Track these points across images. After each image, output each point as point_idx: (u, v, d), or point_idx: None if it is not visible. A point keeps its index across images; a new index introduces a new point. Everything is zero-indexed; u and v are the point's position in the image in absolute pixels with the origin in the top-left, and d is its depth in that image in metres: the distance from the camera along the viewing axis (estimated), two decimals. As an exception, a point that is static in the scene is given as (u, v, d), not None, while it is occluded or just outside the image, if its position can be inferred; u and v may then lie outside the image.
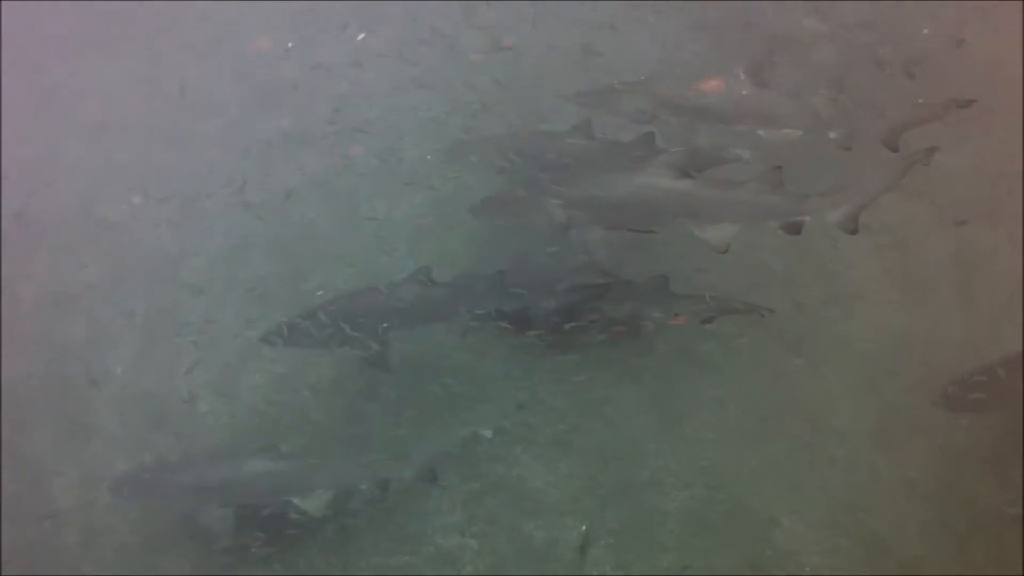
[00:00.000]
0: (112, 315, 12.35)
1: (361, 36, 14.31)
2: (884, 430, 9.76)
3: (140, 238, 13.14)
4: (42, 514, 10.37)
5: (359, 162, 13.23)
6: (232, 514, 9.29)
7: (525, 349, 10.68)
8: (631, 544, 9.20)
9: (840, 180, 10.22)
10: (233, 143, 13.82)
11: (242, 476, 9.48)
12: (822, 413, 9.94)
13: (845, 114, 11.32)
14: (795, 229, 9.76)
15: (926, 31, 13.35)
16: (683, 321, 10.19)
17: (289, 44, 14.82)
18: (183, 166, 13.68)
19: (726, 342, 10.57)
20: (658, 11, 13.98)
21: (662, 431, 10.01)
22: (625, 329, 10.48)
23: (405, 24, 14.49)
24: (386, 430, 10.29)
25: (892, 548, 9.05)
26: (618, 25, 13.58)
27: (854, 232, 9.81)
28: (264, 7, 15.45)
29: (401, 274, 10.45)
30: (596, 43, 13.27)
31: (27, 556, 10.14)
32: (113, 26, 15.70)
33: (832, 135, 11.28)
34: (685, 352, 10.62)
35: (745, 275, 10.94)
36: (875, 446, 9.67)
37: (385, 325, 10.05)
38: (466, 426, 10.16)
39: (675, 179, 9.87)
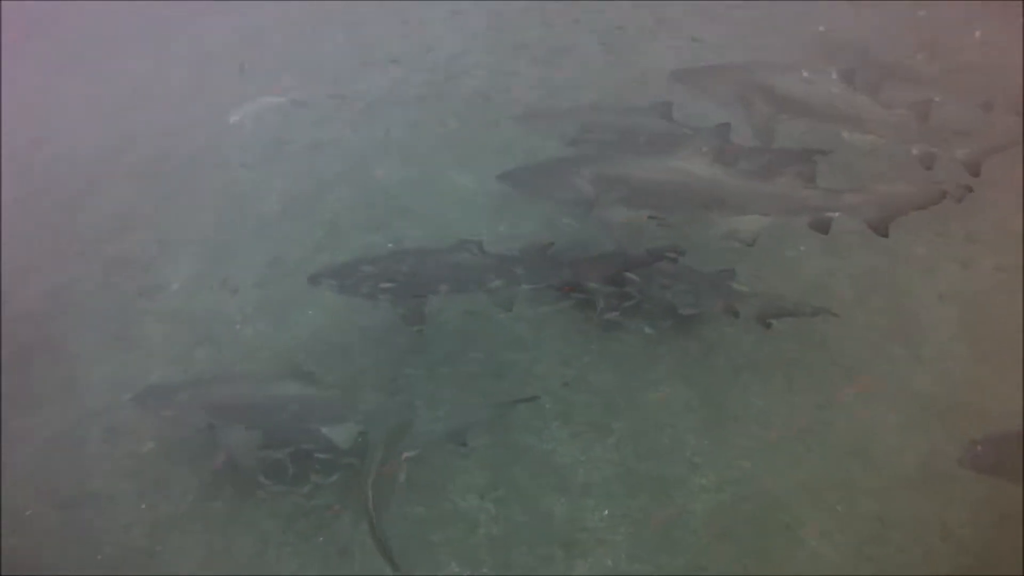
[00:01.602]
0: (179, 237, 12.83)
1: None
2: (925, 471, 9.43)
3: (219, 169, 13.16)
4: (69, 410, 10.65)
5: (451, 124, 13.01)
6: (257, 438, 9.30)
7: (580, 329, 10.63)
8: (650, 537, 9.08)
9: (875, 181, 10.02)
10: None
11: (272, 397, 9.52)
12: (866, 443, 9.65)
13: (930, 132, 11.00)
14: (823, 226, 9.56)
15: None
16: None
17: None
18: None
19: (783, 355, 10.42)
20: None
21: (702, 432, 9.86)
22: (682, 321, 10.34)
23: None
24: (425, 386, 10.26)
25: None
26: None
27: (884, 235, 9.58)
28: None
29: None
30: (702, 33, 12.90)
31: (49, 450, 10.48)
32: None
33: (915, 151, 10.91)
34: (740, 357, 10.47)
35: (814, 297, 10.53)
36: (914, 486, 9.35)
37: (427, 287, 10.09)
38: (507, 395, 10.02)
39: (707, 166, 9.72)
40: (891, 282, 10.96)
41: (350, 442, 9.25)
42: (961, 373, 10.17)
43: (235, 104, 14.80)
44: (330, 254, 11.36)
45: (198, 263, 12.58)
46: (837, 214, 9.66)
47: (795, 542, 8.98)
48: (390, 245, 10.92)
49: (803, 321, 10.30)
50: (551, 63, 13.89)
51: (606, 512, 9.27)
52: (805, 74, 11.11)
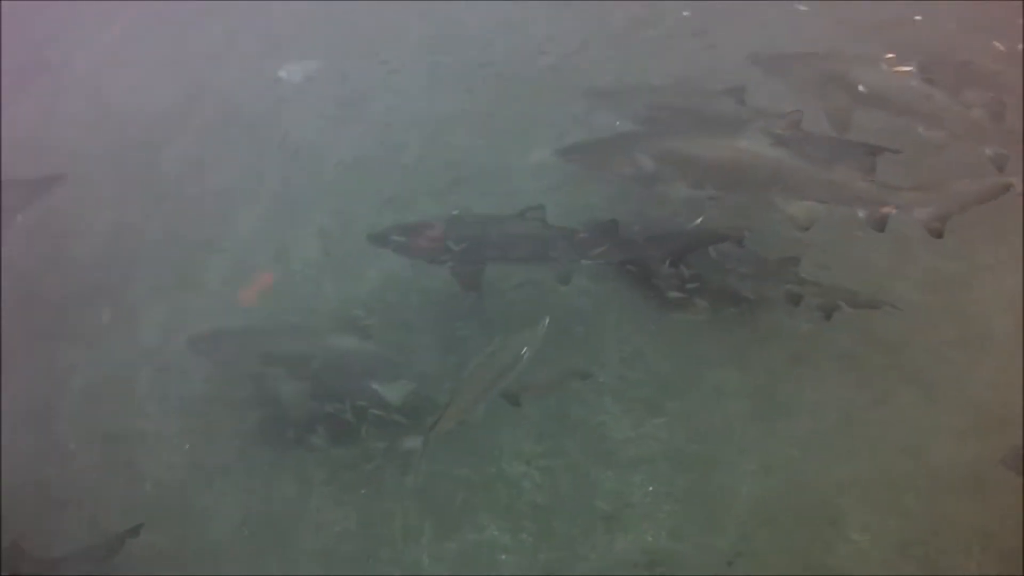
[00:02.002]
0: (246, 187, 12.91)
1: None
2: (976, 477, 9.26)
3: (287, 127, 13.63)
4: (123, 349, 10.88)
5: (522, 98, 13.28)
6: (307, 389, 9.41)
7: (640, 307, 10.61)
8: (692, 517, 9.06)
9: (934, 180, 9.83)
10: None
11: (326, 350, 9.58)
12: (920, 446, 9.51)
13: (1004, 133, 10.83)
14: (880, 223, 9.48)
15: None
16: None
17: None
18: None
19: (840, 349, 10.33)
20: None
21: (754, 419, 9.78)
22: (744, 306, 10.31)
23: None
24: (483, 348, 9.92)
25: (959, 597, 8.41)
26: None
27: (939, 235, 9.45)
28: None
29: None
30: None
31: (100, 386, 10.64)
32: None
33: (988, 151, 10.72)
34: (797, 347, 10.37)
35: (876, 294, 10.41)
36: (963, 490, 9.20)
37: (487, 254, 10.11)
38: (562, 365, 9.99)
39: (770, 148, 9.62)
40: (955, 285, 10.78)
41: (401, 400, 9.20)
42: (1020, 383, 9.89)
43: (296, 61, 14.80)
44: (393, 215, 11.20)
45: (262, 216, 12.60)
46: (893, 211, 9.45)
47: (838, 535, 8.88)
48: (455, 212, 10.69)
49: (862, 317, 10.16)
50: (626, 40, 13.73)
51: (651, 488, 9.23)
52: (885, 67, 10.92)
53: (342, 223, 12.11)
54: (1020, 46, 12.13)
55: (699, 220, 10.30)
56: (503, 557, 8.86)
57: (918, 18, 13.39)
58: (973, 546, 8.85)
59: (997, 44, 12.67)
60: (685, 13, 14.00)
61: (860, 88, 11.10)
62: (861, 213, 9.61)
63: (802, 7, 13.42)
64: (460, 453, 9.58)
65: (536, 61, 13.84)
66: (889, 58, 11.28)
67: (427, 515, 9.17)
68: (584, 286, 10.80)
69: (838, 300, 9.97)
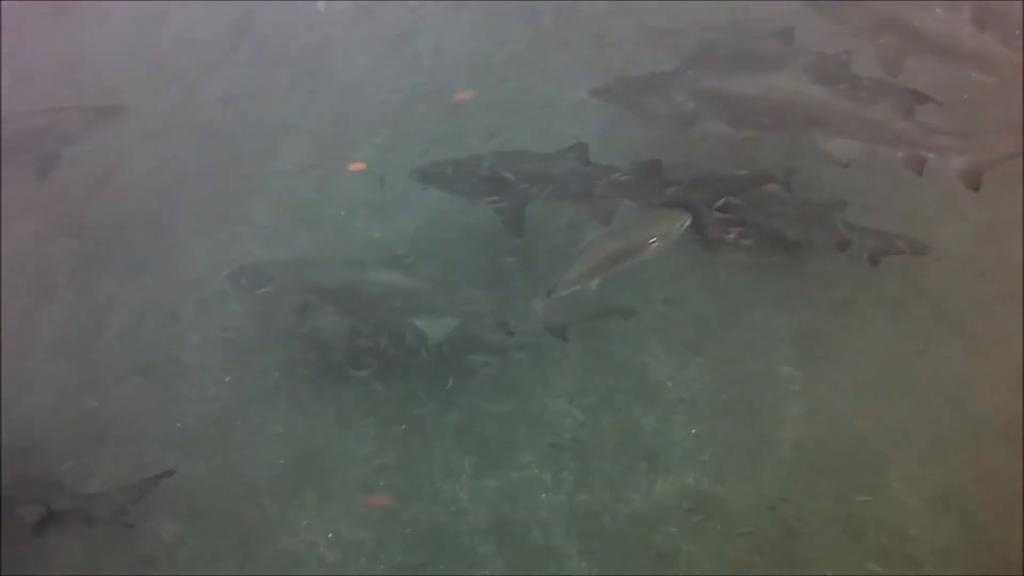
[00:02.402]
0: (287, 121, 12.89)
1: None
2: (1019, 432, 9.08)
3: (334, 59, 13.75)
4: (165, 281, 10.91)
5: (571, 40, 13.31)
6: (349, 323, 9.37)
7: (686, 248, 10.28)
8: (735, 460, 8.99)
9: (975, 128, 9.71)
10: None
11: (369, 284, 9.47)
12: (966, 397, 9.36)
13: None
14: (917, 164, 9.38)
15: None
16: None
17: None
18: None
19: (887, 296, 10.25)
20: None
21: (799, 364, 9.68)
22: (788, 250, 10.17)
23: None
24: (525, 286, 10.12)
25: (997, 549, 8.47)
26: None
27: (975, 187, 9.37)
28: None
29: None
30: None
31: (141, 317, 10.70)
32: None
33: None
34: (843, 294, 10.27)
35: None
36: (1005, 444, 9.06)
37: (529, 192, 9.96)
38: (607, 302, 9.82)
39: (810, 84, 9.52)
40: (1005, 240, 10.53)
41: (443, 336, 9.11)
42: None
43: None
44: (439, 153, 11.08)
45: (308, 149, 12.56)
46: (931, 155, 9.33)
47: (880, 484, 8.80)
48: (497, 150, 10.55)
49: (910, 265, 10.10)
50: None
51: (694, 431, 9.16)
52: (938, 11, 10.73)
53: (388, 160, 11.95)
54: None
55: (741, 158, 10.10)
56: (543, 496, 8.81)
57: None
58: (1014, 499, 8.69)
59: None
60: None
61: (912, 30, 10.88)
62: (900, 154, 9.49)
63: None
64: (500, 389, 9.56)
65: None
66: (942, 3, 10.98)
67: (467, 452, 9.13)
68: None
69: (885, 246, 9.84)
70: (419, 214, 11.31)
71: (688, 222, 9.12)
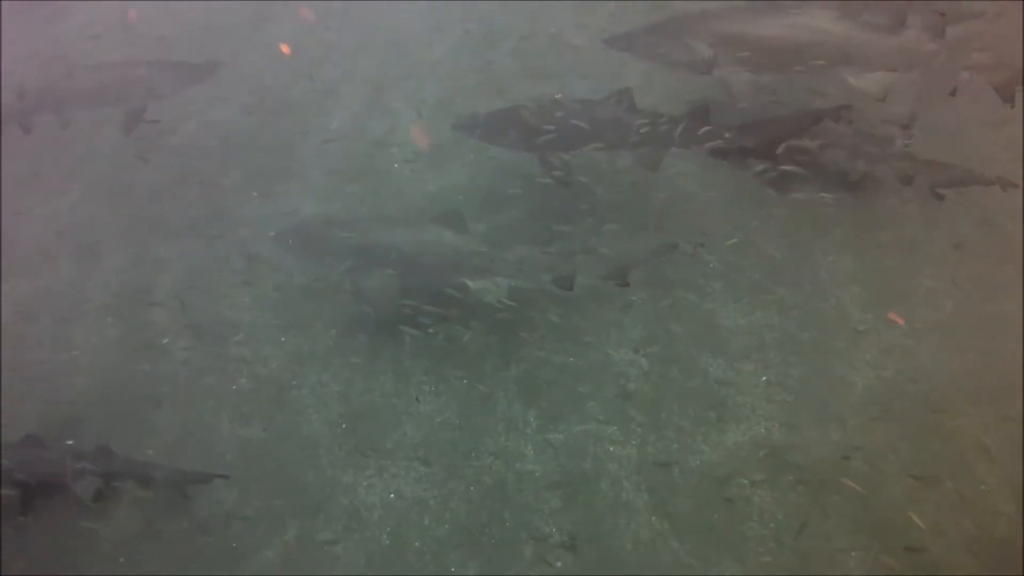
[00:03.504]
0: (342, 78, 12.86)
1: None
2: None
3: (381, 15, 13.86)
4: (215, 240, 10.73)
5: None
6: (398, 283, 9.06)
7: (751, 191, 10.25)
8: (806, 408, 8.74)
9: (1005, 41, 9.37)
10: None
11: (419, 243, 9.22)
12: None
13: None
14: (951, 87, 9.04)
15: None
16: None
17: None
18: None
19: (956, 233, 9.94)
20: None
21: (869, 306, 9.42)
22: (853, 188, 9.96)
23: None
24: (584, 237, 9.97)
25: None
26: None
27: (1010, 101, 9.03)
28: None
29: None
30: None
31: (191, 278, 10.54)
32: None
33: None
34: (912, 232, 10.00)
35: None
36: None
37: (576, 141, 9.66)
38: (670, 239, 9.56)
39: (831, 21, 9.17)
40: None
41: (497, 296, 8.91)
42: None
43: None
44: (486, 101, 10.84)
45: (359, 105, 12.48)
46: (966, 74, 8.99)
47: (957, 431, 8.51)
48: (558, 96, 10.27)
49: (976, 198, 9.87)
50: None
51: (764, 379, 8.92)
52: None
53: (440, 111, 11.84)
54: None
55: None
56: (611, 448, 8.60)
57: None
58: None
59: None
60: None
61: None
62: (933, 77, 9.08)
63: None
64: (562, 339, 9.31)
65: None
66: None
67: (531, 405, 8.91)
68: (690, 170, 10.37)
69: (949, 179, 9.57)
70: (474, 166, 11.17)
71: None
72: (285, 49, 12.29)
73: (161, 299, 10.30)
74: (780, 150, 9.36)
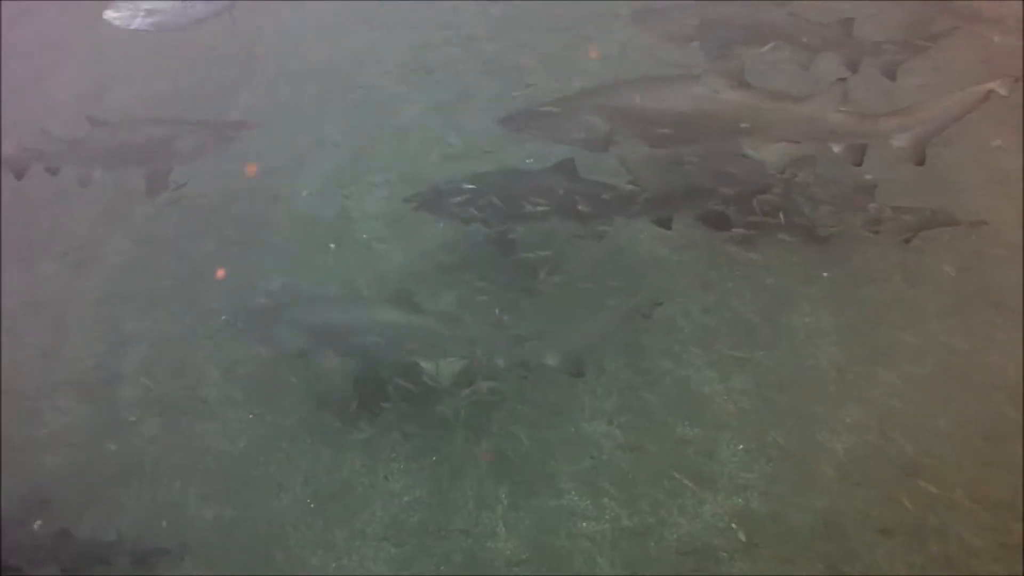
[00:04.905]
0: (312, 143, 12.69)
1: None
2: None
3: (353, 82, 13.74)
4: (183, 313, 10.66)
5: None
6: (351, 364, 8.94)
7: (725, 255, 10.15)
8: (786, 477, 8.49)
9: (905, 105, 8.99)
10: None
11: (372, 323, 8.97)
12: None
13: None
14: (857, 155, 8.69)
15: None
16: None
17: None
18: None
19: (938, 285, 9.76)
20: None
21: (848, 366, 9.19)
22: (826, 245, 9.88)
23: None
24: (538, 315, 9.85)
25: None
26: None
27: (921, 163, 8.71)
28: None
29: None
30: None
31: (159, 352, 10.36)
32: None
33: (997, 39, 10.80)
34: (893, 288, 9.80)
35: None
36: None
37: (517, 213, 9.44)
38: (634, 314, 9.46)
39: (731, 90, 8.75)
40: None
41: (450, 379, 8.64)
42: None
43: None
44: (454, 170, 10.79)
45: (329, 171, 12.35)
46: (869, 143, 8.71)
47: (942, 491, 8.22)
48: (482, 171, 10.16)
49: (958, 244, 9.86)
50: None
51: (741, 447, 8.67)
52: None
53: (406, 181, 11.71)
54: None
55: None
56: (584, 524, 8.35)
57: None
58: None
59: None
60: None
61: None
62: (836, 148, 8.81)
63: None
64: (536, 412, 9.10)
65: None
66: None
67: (502, 481, 8.68)
68: (662, 233, 10.03)
69: (919, 222, 9.56)
70: (437, 237, 10.94)
71: None
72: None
73: (129, 375, 10.12)
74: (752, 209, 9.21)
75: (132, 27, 10.72)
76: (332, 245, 11.09)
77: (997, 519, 7.96)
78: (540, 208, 9.33)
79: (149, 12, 10.70)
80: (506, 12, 14.45)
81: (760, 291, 9.83)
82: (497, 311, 9.67)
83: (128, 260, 11.47)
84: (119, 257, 11.56)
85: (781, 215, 9.44)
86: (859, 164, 8.74)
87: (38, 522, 8.54)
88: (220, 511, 8.90)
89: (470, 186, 9.50)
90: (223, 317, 9.96)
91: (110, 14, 10.68)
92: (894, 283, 9.79)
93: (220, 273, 10.87)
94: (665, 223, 9.44)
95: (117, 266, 11.45)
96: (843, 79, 8.67)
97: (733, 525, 8.17)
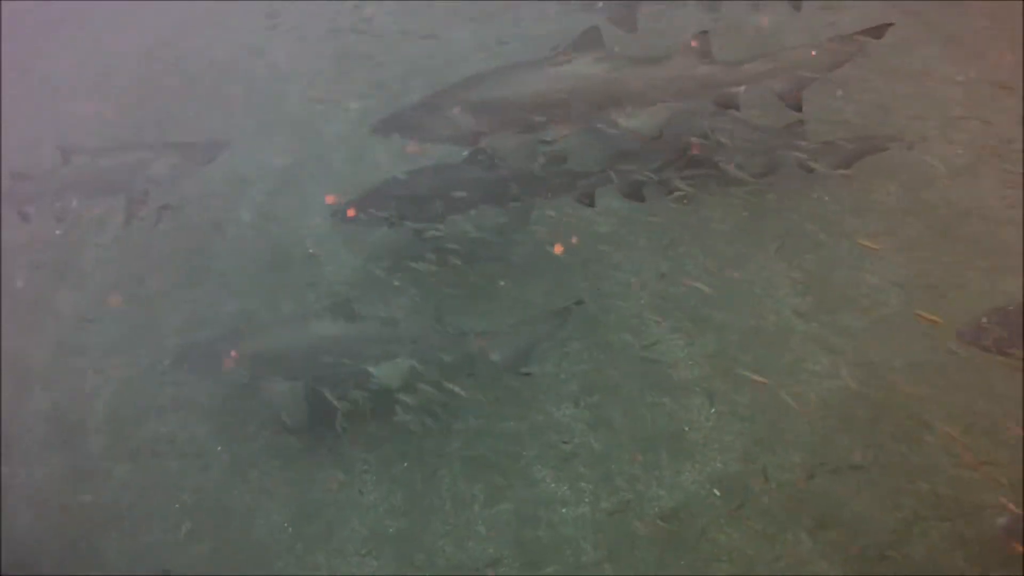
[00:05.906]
0: (251, 169, 12.56)
1: None
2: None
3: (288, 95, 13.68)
4: (140, 356, 10.56)
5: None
6: (303, 387, 8.77)
7: (678, 219, 9.99)
8: (762, 434, 8.35)
9: (771, 51, 8.97)
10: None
11: (314, 339, 8.85)
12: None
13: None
14: (730, 101, 8.59)
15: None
16: None
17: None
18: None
19: (890, 228, 9.59)
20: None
21: (812, 314, 9.07)
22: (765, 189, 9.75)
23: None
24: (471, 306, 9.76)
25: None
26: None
27: (798, 109, 8.69)
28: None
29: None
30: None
31: (120, 398, 10.27)
32: None
33: None
34: (845, 229, 9.66)
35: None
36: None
37: (438, 208, 9.44)
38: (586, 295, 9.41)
39: (592, 64, 8.70)
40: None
41: (401, 379, 8.46)
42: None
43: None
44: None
45: (270, 194, 12.25)
46: (743, 88, 8.61)
47: (921, 428, 8.10)
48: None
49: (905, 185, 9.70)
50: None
51: (713, 411, 8.52)
52: None
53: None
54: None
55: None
56: (564, 511, 8.21)
57: None
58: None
59: None
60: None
61: None
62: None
63: None
64: (499, 404, 8.95)
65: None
66: None
67: (476, 479, 8.53)
68: (612, 207, 10.14)
69: (851, 151, 9.47)
70: (376, 245, 10.87)
71: None
72: None
73: (95, 425, 10.01)
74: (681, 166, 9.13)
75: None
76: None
77: (979, 444, 7.84)
78: (460, 197, 9.28)
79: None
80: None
81: (712, 251, 9.70)
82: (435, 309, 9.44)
83: (81, 307, 11.41)
84: (71, 305, 11.52)
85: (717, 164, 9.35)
86: (737, 109, 8.72)
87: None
88: (200, 547, 8.78)
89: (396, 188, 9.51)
90: (166, 362, 9.80)
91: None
92: (848, 221, 9.71)
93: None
94: (588, 199, 9.24)
95: (71, 315, 11.36)
96: (704, 32, 8.58)
97: (715, 491, 8.01)
